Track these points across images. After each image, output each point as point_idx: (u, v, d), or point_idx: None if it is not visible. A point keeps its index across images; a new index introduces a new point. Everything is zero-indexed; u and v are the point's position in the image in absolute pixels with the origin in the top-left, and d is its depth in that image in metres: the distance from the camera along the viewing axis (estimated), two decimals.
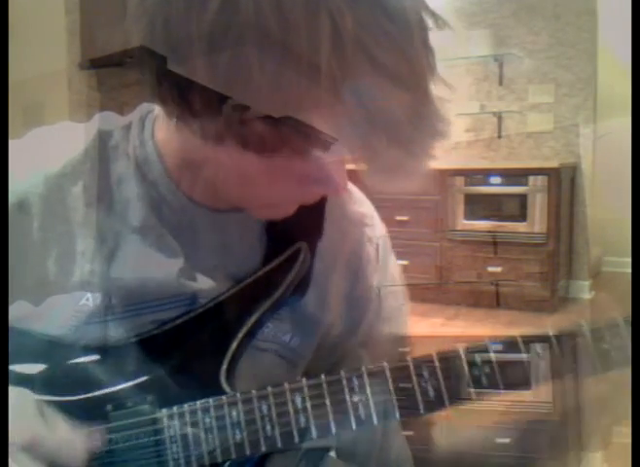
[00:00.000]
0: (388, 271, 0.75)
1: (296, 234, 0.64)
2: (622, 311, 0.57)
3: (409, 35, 0.47)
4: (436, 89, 0.49)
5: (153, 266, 0.62)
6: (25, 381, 0.56)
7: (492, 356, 0.58)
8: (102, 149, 0.65)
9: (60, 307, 0.60)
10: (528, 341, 0.58)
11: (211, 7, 0.45)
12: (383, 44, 0.46)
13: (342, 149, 0.51)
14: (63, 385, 0.58)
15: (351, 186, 0.73)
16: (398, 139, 0.49)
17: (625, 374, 0.55)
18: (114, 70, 3.33)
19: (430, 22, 0.48)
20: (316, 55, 0.45)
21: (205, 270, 0.64)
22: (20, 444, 0.51)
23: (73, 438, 0.55)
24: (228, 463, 0.58)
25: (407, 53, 0.47)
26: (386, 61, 0.46)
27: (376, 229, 0.74)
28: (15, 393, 0.53)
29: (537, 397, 0.59)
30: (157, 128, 0.64)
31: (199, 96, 0.49)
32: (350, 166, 0.57)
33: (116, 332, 0.60)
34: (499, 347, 0.58)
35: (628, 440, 0.56)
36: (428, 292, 4.13)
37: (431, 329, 3.48)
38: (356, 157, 0.52)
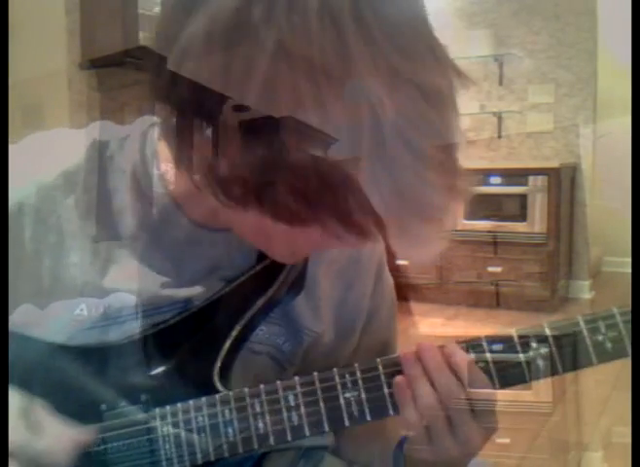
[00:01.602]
0: (382, 284, 0.74)
1: None
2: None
3: (446, 118, 0.47)
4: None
5: (146, 279, 0.61)
6: (22, 385, 0.57)
7: (488, 353, 0.58)
8: (96, 160, 0.63)
9: (56, 317, 0.60)
10: (525, 337, 0.58)
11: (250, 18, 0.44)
12: (421, 129, 0.45)
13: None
14: (58, 387, 0.58)
15: None
16: (426, 215, 0.49)
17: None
18: (114, 70, 3.33)
19: (459, 86, 0.48)
20: (355, 143, 0.44)
21: (198, 281, 0.63)
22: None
23: (61, 441, 0.55)
24: (223, 463, 0.58)
25: (443, 138, 0.47)
26: (422, 146, 0.46)
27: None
28: None
29: (535, 394, 0.59)
30: (160, 146, 0.62)
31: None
32: None
33: (110, 336, 0.60)
34: (496, 345, 0.58)
35: (628, 440, 0.56)
36: (428, 292, 4.13)
37: (431, 329, 3.48)
38: (385, 231, 0.51)
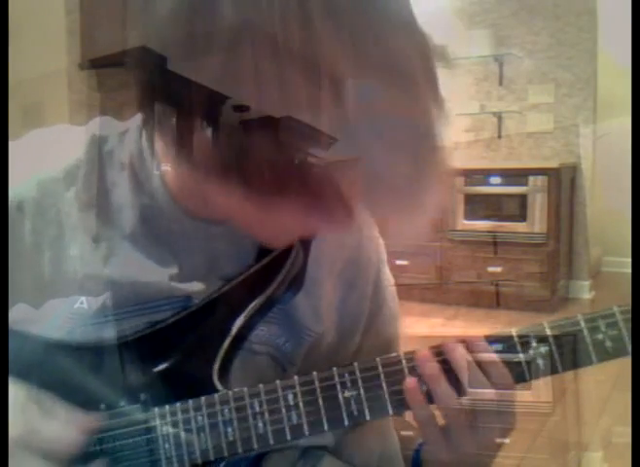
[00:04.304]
0: (383, 284, 0.74)
1: None
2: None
3: (419, 102, 0.46)
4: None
5: (145, 272, 0.62)
6: (22, 382, 0.57)
7: (487, 353, 0.58)
8: (97, 154, 0.64)
9: (56, 311, 0.60)
10: (524, 337, 0.58)
11: (227, 13, 0.44)
12: (389, 114, 0.45)
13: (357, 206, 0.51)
14: (58, 385, 0.58)
15: None
16: (404, 205, 0.49)
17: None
18: (114, 70, 3.33)
19: (438, 62, 0.47)
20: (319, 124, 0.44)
21: (198, 276, 0.63)
22: (14, 436, 0.51)
23: (69, 427, 0.55)
24: (222, 463, 0.58)
25: (415, 122, 0.47)
26: (392, 133, 0.46)
27: (373, 239, 0.74)
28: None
29: (535, 394, 0.59)
30: (156, 137, 0.62)
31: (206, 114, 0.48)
32: None
33: (110, 333, 0.60)
34: (495, 345, 0.58)
35: (628, 440, 0.56)
36: (428, 292, 4.13)
37: (431, 329, 3.48)
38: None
